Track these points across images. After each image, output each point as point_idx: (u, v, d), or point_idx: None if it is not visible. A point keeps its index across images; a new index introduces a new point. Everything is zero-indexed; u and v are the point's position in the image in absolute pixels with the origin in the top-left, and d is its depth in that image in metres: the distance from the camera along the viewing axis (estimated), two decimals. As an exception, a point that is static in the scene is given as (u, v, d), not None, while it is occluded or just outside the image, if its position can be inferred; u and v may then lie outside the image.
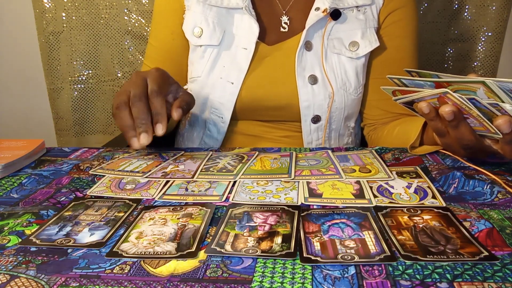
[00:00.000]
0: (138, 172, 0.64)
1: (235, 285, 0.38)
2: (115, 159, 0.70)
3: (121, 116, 0.62)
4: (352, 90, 0.85)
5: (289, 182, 0.59)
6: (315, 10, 0.83)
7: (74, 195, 0.58)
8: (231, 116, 0.86)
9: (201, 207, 0.53)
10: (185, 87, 0.91)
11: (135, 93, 0.62)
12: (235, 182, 0.59)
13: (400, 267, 0.40)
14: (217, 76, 0.85)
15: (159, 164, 0.66)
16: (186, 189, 0.58)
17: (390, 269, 0.39)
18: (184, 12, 0.87)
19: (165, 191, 0.58)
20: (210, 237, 0.46)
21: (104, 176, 0.63)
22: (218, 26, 0.85)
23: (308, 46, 0.84)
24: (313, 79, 0.83)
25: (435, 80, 0.56)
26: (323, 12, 0.82)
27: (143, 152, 0.73)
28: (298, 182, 0.59)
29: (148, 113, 0.62)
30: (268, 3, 0.88)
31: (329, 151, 0.70)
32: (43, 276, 0.40)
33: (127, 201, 0.55)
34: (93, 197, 0.57)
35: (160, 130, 0.62)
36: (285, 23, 0.87)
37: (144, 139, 0.61)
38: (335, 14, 0.83)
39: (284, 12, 0.87)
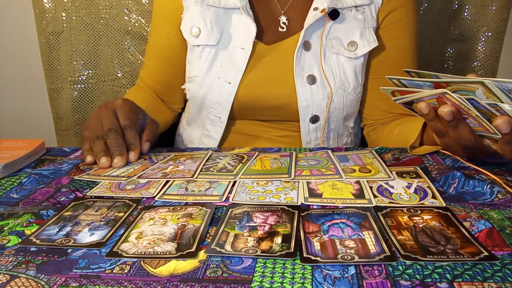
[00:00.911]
0: (123, 176, 0.63)
1: (235, 285, 0.38)
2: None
3: (96, 146, 0.68)
4: (351, 90, 0.85)
5: (289, 182, 0.59)
6: (313, 10, 0.83)
7: (74, 195, 0.58)
8: (228, 115, 0.86)
9: (201, 207, 0.53)
10: (183, 87, 0.91)
11: (110, 127, 0.68)
12: (235, 182, 0.59)
13: (400, 267, 0.40)
14: (215, 76, 0.85)
15: (146, 168, 0.66)
16: (186, 189, 0.58)
17: (390, 269, 0.39)
18: (182, 12, 0.87)
19: (165, 191, 0.58)
20: (210, 237, 0.46)
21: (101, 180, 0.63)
22: (216, 26, 0.85)
23: (306, 46, 0.83)
24: (312, 79, 0.83)
25: (434, 81, 0.56)
26: (321, 12, 0.81)
27: None
28: (298, 182, 0.59)
29: (123, 143, 0.68)
30: (266, 3, 0.88)
31: (329, 151, 0.70)
32: (43, 276, 0.40)
33: (127, 201, 0.55)
34: (93, 197, 0.57)
35: (133, 157, 0.68)
36: (283, 23, 0.87)
37: (118, 161, 0.66)
38: (334, 14, 0.82)
39: (282, 12, 0.87)
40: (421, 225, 0.46)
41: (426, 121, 0.60)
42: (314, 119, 0.85)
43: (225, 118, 0.87)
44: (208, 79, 0.85)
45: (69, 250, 0.44)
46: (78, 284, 0.39)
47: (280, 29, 0.87)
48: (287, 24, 0.87)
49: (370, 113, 0.92)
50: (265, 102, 0.85)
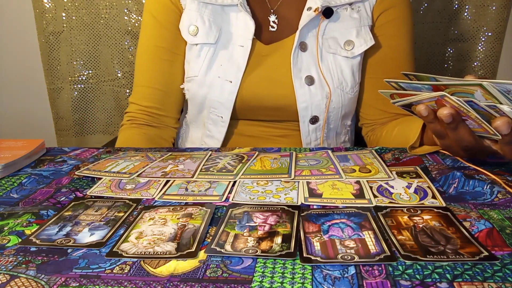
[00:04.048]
0: (125, 173, 0.64)
1: (235, 285, 0.38)
2: (102, 160, 0.70)
3: None
4: (348, 89, 0.85)
5: (289, 182, 0.59)
6: (307, 10, 0.83)
7: (74, 195, 0.58)
8: (231, 115, 0.86)
9: (201, 207, 0.53)
10: (181, 86, 0.90)
11: None
12: (235, 182, 0.59)
13: (400, 267, 0.40)
14: (215, 75, 0.84)
15: (146, 165, 0.66)
16: (186, 189, 0.58)
17: (390, 269, 0.39)
18: (181, 11, 0.87)
19: (165, 191, 0.58)
20: (210, 237, 0.46)
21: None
22: (214, 24, 0.84)
23: (302, 46, 0.83)
24: (310, 80, 0.83)
25: (432, 83, 0.56)
26: (314, 11, 0.81)
27: (129, 153, 0.73)
28: (298, 182, 0.59)
29: None
30: (259, 1, 0.87)
31: (329, 151, 0.70)
32: (43, 276, 0.40)
33: (127, 201, 0.55)
34: (93, 197, 0.57)
35: None
36: (274, 21, 0.86)
37: None
38: (327, 12, 0.82)
39: (272, 11, 0.87)
40: (421, 225, 0.46)
41: (426, 123, 0.60)
42: (314, 120, 0.85)
43: (228, 117, 0.86)
44: (208, 78, 0.84)
45: (69, 250, 0.44)
46: (78, 284, 0.39)
47: (270, 29, 0.86)
48: (277, 23, 0.86)
49: (367, 112, 0.92)
50: (266, 103, 0.85)
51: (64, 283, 0.39)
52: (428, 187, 0.56)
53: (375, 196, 0.54)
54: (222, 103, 0.85)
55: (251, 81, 0.84)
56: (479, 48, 1.26)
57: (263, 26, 0.86)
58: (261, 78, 0.84)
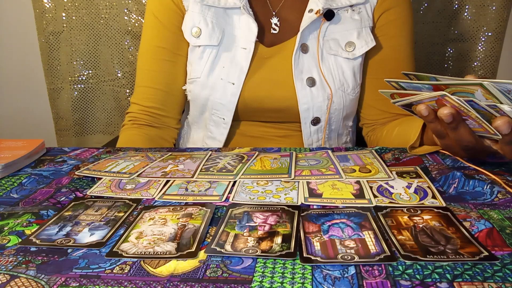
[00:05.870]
0: (125, 173, 0.64)
1: (235, 285, 0.38)
2: (102, 160, 0.70)
3: None
4: (350, 90, 0.85)
5: (289, 182, 0.59)
6: (308, 12, 0.83)
7: (74, 195, 0.58)
8: (232, 117, 0.86)
9: (201, 207, 0.53)
10: (184, 87, 0.90)
11: None
12: (235, 182, 0.59)
13: (400, 267, 0.40)
14: (217, 77, 0.84)
15: (146, 165, 0.66)
16: (186, 189, 0.58)
17: (390, 269, 0.39)
18: (184, 12, 0.87)
19: (165, 191, 0.58)
20: (210, 237, 0.46)
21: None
22: (217, 26, 0.84)
23: (304, 48, 0.83)
24: (311, 82, 0.83)
25: (433, 83, 0.56)
26: (316, 13, 0.81)
27: (129, 153, 0.73)
28: (298, 182, 0.59)
29: None
30: (261, 3, 0.87)
31: (329, 151, 0.70)
32: (43, 276, 0.40)
33: (127, 201, 0.55)
34: (93, 197, 0.57)
35: None
36: (275, 24, 0.87)
37: None
38: (329, 15, 0.82)
39: (274, 13, 0.87)
40: (421, 225, 0.46)
41: (426, 123, 0.60)
42: (315, 121, 0.85)
43: (230, 119, 0.86)
44: (210, 80, 0.84)
45: (69, 250, 0.44)
46: (78, 284, 0.39)
47: (272, 31, 0.87)
48: (279, 25, 0.87)
49: (367, 113, 0.92)
50: (267, 105, 0.85)
51: (64, 283, 0.39)
52: (428, 187, 0.56)
53: (375, 196, 0.54)
54: (224, 105, 0.85)
55: (253, 83, 0.84)
56: (479, 48, 1.26)
57: (265, 29, 0.87)
58: (262, 80, 0.84)
